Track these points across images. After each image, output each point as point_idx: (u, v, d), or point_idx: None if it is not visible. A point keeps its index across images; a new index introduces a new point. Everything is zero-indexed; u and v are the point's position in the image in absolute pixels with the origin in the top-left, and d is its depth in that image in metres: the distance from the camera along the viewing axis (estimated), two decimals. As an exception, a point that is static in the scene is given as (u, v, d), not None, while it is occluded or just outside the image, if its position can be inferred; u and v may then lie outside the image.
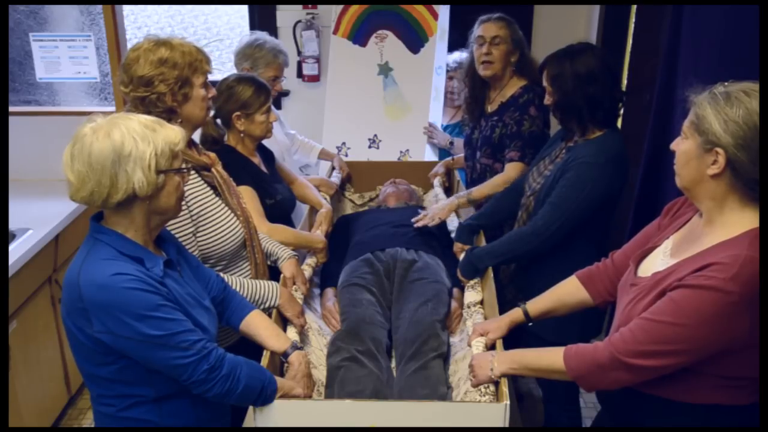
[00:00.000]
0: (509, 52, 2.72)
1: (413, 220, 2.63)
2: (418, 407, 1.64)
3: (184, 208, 1.79)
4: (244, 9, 3.85)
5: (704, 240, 1.44)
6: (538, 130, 2.64)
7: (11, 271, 2.49)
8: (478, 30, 2.75)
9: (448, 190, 3.19)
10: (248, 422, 1.67)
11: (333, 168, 3.25)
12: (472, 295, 2.17)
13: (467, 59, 2.89)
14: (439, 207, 2.68)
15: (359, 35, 3.52)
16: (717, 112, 1.37)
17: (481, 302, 2.13)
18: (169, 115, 1.83)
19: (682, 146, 1.45)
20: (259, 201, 2.30)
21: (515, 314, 1.90)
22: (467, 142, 2.95)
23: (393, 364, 2.14)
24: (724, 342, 1.36)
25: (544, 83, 2.17)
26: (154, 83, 1.81)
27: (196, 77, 1.87)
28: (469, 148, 2.93)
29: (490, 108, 2.80)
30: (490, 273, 2.21)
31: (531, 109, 2.65)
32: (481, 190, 2.69)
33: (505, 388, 1.64)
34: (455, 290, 2.36)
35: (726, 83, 1.42)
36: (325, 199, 2.83)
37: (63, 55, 3.41)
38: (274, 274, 2.19)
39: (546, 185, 2.19)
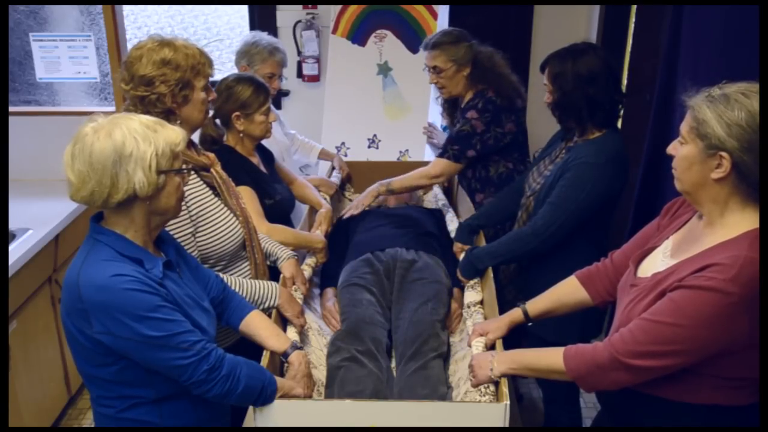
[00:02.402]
0: (455, 72, 2.72)
1: (342, 213, 2.68)
2: (418, 407, 1.64)
3: (183, 208, 1.78)
4: (244, 9, 3.85)
5: (704, 240, 1.44)
6: (469, 130, 2.65)
7: (11, 271, 2.49)
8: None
9: (448, 191, 3.19)
10: (248, 422, 1.67)
11: (333, 168, 3.24)
12: (472, 295, 2.17)
13: None
14: (362, 196, 2.77)
15: (358, 35, 3.51)
16: (718, 115, 1.36)
17: (481, 302, 2.13)
18: (168, 115, 1.82)
19: (683, 151, 1.44)
20: (259, 201, 2.30)
21: (515, 314, 1.90)
22: None
23: (393, 364, 2.14)
24: (724, 343, 1.36)
25: (545, 81, 2.17)
26: (155, 83, 1.80)
27: (198, 80, 1.87)
28: None
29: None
30: (490, 273, 2.21)
31: (469, 113, 2.67)
32: (401, 182, 2.76)
33: (505, 388, 1.64)
34: (455, 290, 2.36)
35: (720, 85, 1.41)
36: (325, 199, 2.83)
37: (63, 55, 3.40)
38: (274, 274, 2.19)
39: (546, 185, 2.19)
